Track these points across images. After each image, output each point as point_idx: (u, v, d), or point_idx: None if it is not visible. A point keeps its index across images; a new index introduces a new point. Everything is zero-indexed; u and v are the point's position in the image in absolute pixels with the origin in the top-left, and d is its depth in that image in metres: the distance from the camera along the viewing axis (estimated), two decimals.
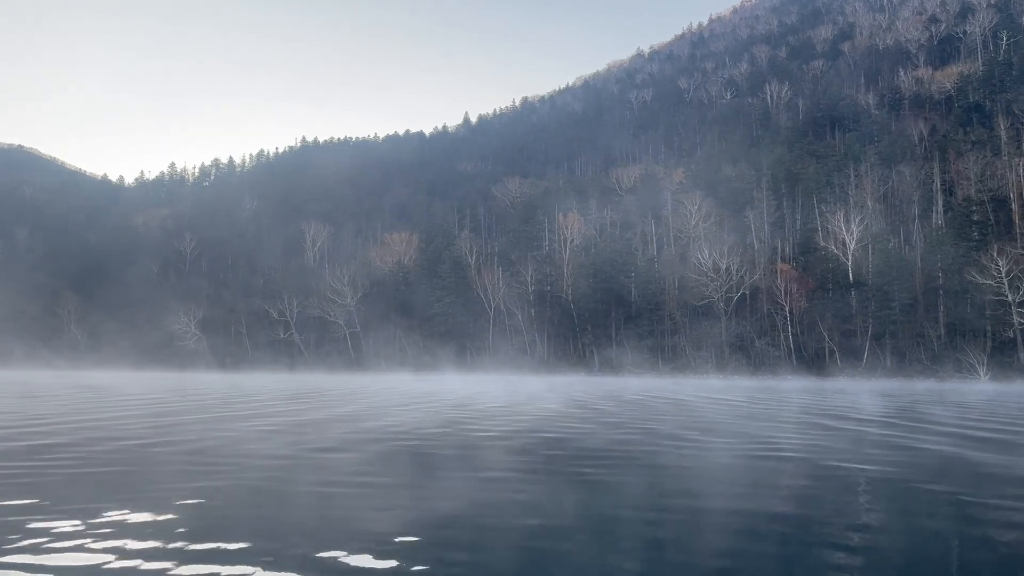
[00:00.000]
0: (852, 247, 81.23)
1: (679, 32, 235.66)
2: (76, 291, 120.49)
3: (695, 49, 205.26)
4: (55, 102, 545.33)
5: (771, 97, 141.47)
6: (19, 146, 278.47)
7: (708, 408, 27.98)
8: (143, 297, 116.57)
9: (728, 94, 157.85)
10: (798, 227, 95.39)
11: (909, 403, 33.14)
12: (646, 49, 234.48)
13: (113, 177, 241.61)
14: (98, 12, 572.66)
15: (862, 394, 42.26)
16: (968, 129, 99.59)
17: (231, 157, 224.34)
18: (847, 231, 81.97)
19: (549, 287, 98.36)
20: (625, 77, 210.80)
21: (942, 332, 74.83)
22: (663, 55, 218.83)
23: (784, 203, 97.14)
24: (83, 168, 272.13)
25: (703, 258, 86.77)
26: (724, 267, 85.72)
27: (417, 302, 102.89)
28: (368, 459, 12.34)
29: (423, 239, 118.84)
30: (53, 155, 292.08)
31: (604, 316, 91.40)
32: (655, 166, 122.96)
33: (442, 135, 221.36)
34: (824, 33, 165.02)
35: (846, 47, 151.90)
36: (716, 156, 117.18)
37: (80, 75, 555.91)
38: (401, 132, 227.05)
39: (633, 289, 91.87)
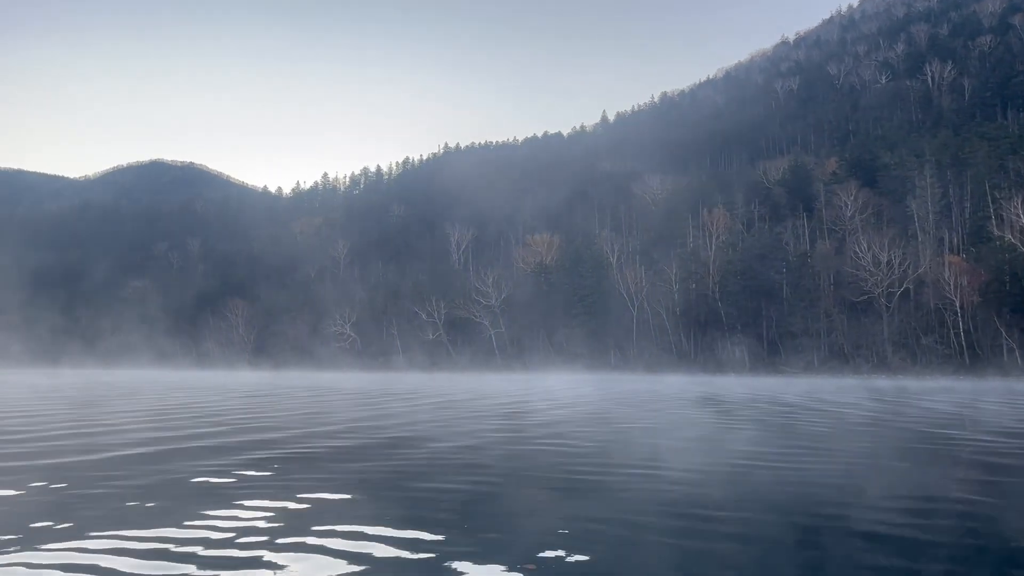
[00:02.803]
0: None
1: (827, 16, 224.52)
2: (243, 296, 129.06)
3: (845, 32, 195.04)
4: (221, 122, 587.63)
5: (932, 78, 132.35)
6: (191, 163, 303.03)
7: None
8: (302, 301, 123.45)
9: (883, 77, 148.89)
10: (967, 216, 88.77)
11: None
12: (791, 36, 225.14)
13: (272, 189, 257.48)
14: (251, 38, 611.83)
15: None
16: None
17: (379, 166, 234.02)
18: None
19: (695, 285, 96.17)
20: (769, 66, 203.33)
21: None
22: (810, 41, 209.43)
23: (951, 190, 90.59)
24: (246, 181, 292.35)
25: (861, 251, 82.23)
26: (885, 260, 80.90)
27: (560, 302, 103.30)
28: None
29: (564, 239, 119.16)
30: (220, 170, 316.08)
31: (754, 314, 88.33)
32: (805, 156, 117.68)
33: (580, 135, 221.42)
34: (991, 6, 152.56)
35: (1017, 20, 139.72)
36: (872, 143, 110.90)
37: (241, 96, 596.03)
38: (540, 134, 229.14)
39: (785, 286, 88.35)
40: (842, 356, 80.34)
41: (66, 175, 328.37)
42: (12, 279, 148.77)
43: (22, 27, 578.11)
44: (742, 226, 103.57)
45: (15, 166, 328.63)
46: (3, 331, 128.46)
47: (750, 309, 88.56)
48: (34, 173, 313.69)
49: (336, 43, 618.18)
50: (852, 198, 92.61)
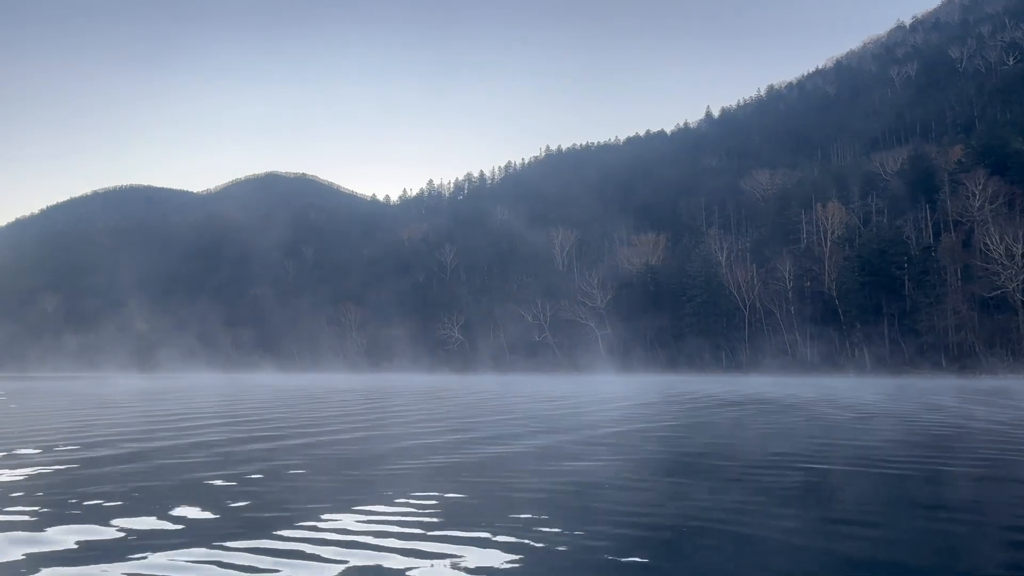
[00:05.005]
0: None
1: None
2: (355, 301, 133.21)
3: (967, 13, 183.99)
4: (330, 134, 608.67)
5: None
6: (303, 174, 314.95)
7: None
8: (412, 305, 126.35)
9: (1011, 59, 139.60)
10: None
11: None
12: (907, 20, 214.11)
13: (380, 197, 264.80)
14: (357, 52, 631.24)
15: None
16: None
17: (482, 171, 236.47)
18: None
19: (809, 282, 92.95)
20: (883, 53, 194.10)
21: None
22: (928, 24, 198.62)
23: None
24: (355, 190, 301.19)
25: (992, 243, 77.33)
26: (1019, 252, 75.81)
27: (667, 303, 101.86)
28: None
29: (670, 238, 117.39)
30: (330, 180, 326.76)
31: (874, 312, 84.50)
32: (925, 145, 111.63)
33: (684, 132, 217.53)
34: None
35: None
36: (1001, 129, 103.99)
37: (348, 108, 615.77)
38: (642, 133, 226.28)
39: (907, 281, 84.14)
40: (973, 355, 75.80)
41: (190, 190, 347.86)
42: (143, 287, 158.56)
43: (151, 63, 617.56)
44: (858, 220, 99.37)
45: (145, 183, 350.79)
46: (133, 336, 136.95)
47: (870, 307, 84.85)
48: (162, 188, 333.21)
49: (438, 51, 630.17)
50: (980, 187, 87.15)
